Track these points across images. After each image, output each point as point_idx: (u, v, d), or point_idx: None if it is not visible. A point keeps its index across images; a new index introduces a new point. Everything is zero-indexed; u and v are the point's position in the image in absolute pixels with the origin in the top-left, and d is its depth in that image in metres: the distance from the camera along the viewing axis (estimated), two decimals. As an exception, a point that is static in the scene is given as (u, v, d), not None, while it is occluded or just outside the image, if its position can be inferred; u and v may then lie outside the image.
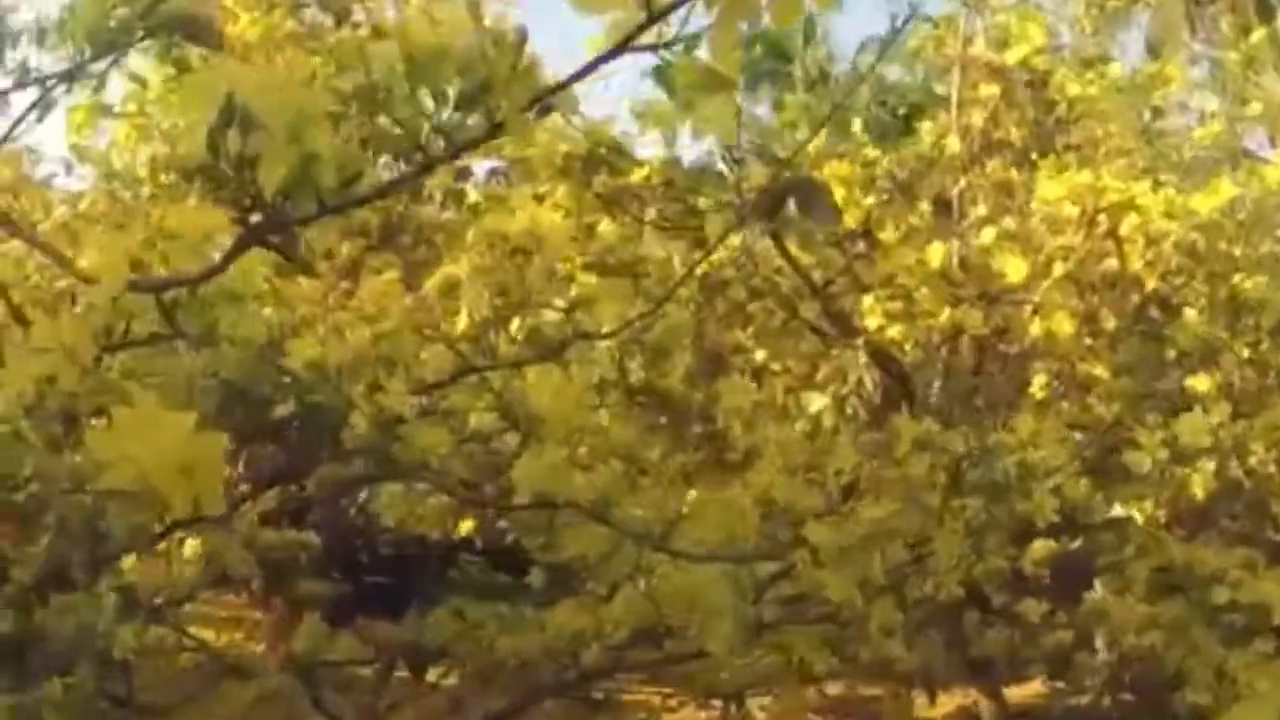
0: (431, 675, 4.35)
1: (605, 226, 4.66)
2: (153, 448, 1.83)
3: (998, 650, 4.96)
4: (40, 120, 2.53)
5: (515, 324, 4.15)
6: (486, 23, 1.28)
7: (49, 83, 2.43)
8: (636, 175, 4.50)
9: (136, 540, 2.93)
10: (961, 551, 3.61)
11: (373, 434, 2.72)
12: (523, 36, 1.33)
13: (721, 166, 4.80)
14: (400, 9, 5.34)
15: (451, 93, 1.28)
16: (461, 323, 3.86)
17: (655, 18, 1.30)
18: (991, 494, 3.76)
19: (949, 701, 5.96)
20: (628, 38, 1.30)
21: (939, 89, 5.95)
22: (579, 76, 1.33)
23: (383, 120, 1.31)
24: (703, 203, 4.42)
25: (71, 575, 2.84)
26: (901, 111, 5.47)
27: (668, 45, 1.33)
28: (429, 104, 1.29)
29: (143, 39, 2.18)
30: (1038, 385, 4.70)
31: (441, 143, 1.32)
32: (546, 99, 1.33)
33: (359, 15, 5.49)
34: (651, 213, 4.79)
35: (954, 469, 4.07)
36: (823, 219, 2.95)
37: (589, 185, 4.46)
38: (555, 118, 1.69)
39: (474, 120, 1.30)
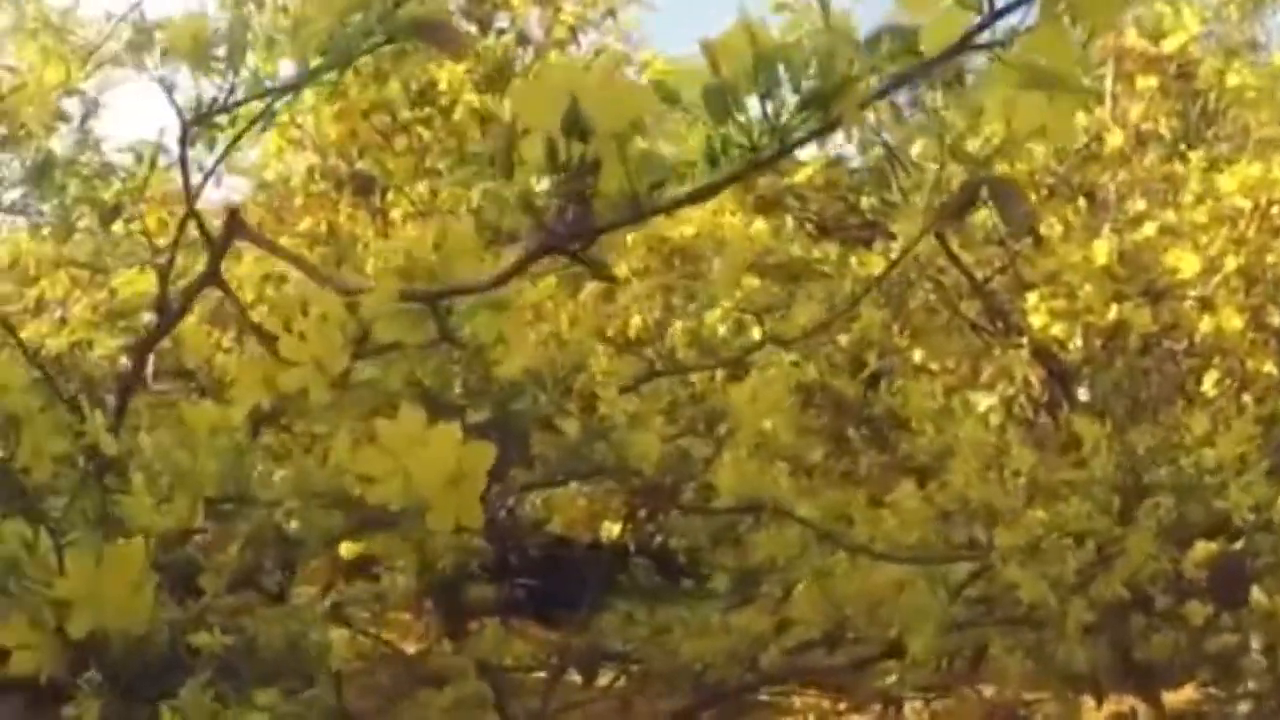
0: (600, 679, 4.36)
1: (760, 226, 4.63)
2: (422, 460, 1.82)
3: (1162, 654, 4.87)
4: (263, 130, 2.55)
5: (678, 327, 4.14)
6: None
7: (273, 94, 2.44)
8: (800, 175, 4.47)
9: (323, 546, 2.96)
10: (1152, 551, 3.56)
11: (581, 439, 2.72)
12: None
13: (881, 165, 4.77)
14: (544, 18, 5.37)
15: (791, 92, 1.27)
16: (634, 327, 3.86)
17: (997, 13, 1.27)
18: (1182, 493, 3.70)
19: (1105, 707, 5.86)
20: (967, 35, 1.28)
21: (1085, 80, 5.85)
22: (910, 76, 1.31)
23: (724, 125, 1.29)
24: (864, 202, 4.39)
25: (260, 582, 2.86)
26: (1050, 105, 5.38)
27: (1002, 44, 1.30)
28: (769, 105, 1.27)
29: (383, 45, 2.17)
30: (1210, 383, 4.61)
31: (776, 143, 1.30)
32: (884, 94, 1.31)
33: (503, 22, 5.54)
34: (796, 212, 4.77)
35: (1129, 467, 4.00)
36: (1015, 218, 2.90)
37: (750, 188, 4.43)
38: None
39: (811, 120, 1.28)
